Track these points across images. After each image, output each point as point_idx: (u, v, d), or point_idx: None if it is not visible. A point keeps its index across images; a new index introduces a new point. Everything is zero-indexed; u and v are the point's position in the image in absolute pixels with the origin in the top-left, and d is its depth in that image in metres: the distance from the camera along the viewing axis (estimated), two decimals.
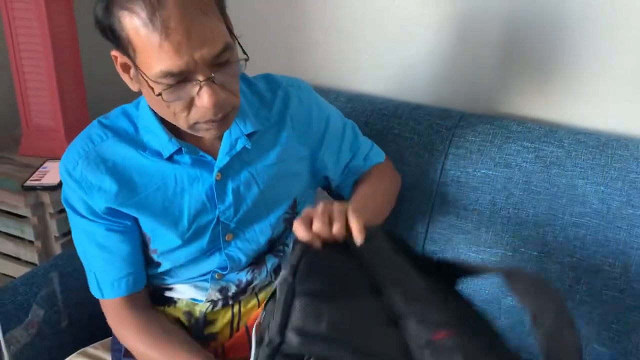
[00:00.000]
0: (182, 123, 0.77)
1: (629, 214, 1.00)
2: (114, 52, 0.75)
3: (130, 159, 0.84)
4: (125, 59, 0.74)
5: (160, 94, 0.72)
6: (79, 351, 1.00)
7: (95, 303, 0.94)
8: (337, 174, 1.01)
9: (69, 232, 1.35)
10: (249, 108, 0.88)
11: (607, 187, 1.03)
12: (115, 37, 0.72)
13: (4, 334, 0.98)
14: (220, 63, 0.72)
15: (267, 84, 0.94)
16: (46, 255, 1.33)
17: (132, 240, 0.87)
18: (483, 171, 1.11)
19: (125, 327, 0.89)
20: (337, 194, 1.04)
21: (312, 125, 0.95)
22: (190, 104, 0.74)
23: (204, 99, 0.72)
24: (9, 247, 1.37)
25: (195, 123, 0.76)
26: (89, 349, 1.01)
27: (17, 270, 1.36)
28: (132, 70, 0.75)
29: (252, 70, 1.45)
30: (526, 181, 1.08)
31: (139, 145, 0.85)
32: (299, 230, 0.66)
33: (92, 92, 1.51)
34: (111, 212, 0.84)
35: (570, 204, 1.04)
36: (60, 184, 1.28)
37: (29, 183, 1.28)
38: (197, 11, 0.69)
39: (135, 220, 0.86)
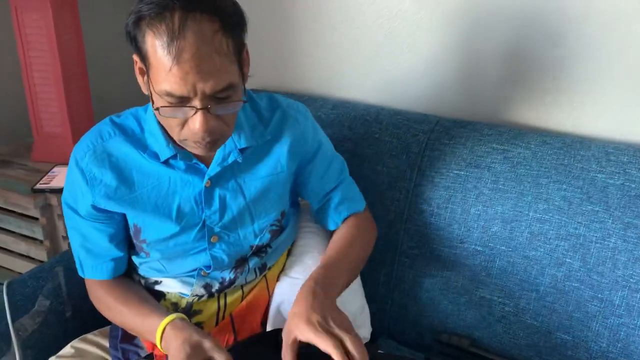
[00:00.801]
0: (174, 135, 0.85)
1: (588, 210, 1.07)
2: (135, 56, 0.83)
3: (132, 158, 0.92)
4: (142, 65, 0.82)
5: (157, 109, 0.80)
6: (80, 337, 1.08)
7: None
8: (318, 197, 1.06)
9: None
10: (246, 123, 0.95)
11: (569, 185, 1.10)
12: (137, 47, 0.80)
13: (13, 322, 1.07)
14: (221, 97, 0.79)
15: (268, 102, 1.00)
16: (54, 253, 1.43)
17: (114, 235, 0.96)
18: (455, 172, 1.19)
19: (101, 303, 1.01)
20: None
21: (305, 146, 1.01)
22: (184, 123, 0.81)
23: (195, 123, 0.79)
24: (21, 247, 1.48)
25: (185, 140, 0.84)
26: (89, 336, 1.09)
27: (28, 268, 1.44)
28: (145, 77, 0.83)
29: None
30: (495, 180, 1.15)
31: (141, 146, 0.93)
32: None
33: (97, 103, 1.61)
34: (99, 211, 0.93)
35: (535, 201, 1.11)
36: None
37: (38, 186, 1.38)
38: (211, 49, 0.76)
39: (123, 215, 0.95)
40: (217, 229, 0.95)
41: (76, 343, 1.07)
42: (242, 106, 0.87)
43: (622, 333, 1.04)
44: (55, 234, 1.42)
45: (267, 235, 1.00)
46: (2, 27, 1.58)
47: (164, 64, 0.75)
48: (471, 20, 1.26)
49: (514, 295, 1.12)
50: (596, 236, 1.06)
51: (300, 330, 0.80)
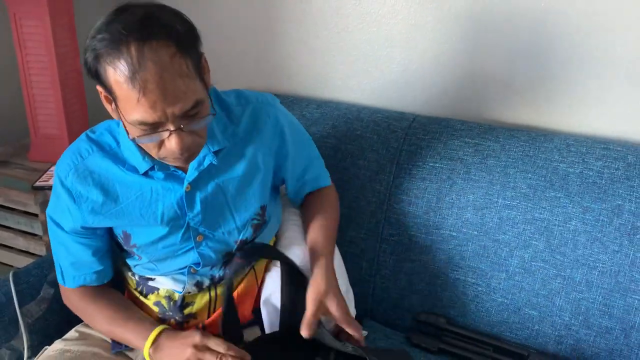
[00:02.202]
0: (153, 154, 0.87)
1: (551, 196, 1.18)
2: (98, 87, 0.84)
3: (113, 173, 0.95)
4: (108, 95, 0.83)
5: (134, 139, 0.82)
6: (83, 323, 1.14)
7: None
8: (293, 180, 1.13)
9: None
10: (216, 125, 0.96)
11: (534, 174, 1.20)
12: (100, 81, 0.81)
13: (20, 307, 1.14)
14: (190, 115, 0.81)
15: (237, 98, 1.02)
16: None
17: (97, 249, 1.01)
18: (431, 164, 1.29)
19: (72, 306, 1.08)
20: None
21: (277, 138, 1.04)
22: (160, 144, 0.84)
23: (172, 144, 0.82)
24: (20, 242, 1.53)
25: (164, 158, 0.87)
26: None
27: (27, 263, 1.52)
28: (112, 105, 0.84)
29: (233, 81, 1.64)
30: (467, 171, 1.25)
31: (119, 160, 0.95)
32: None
33: (92, 104, 1.68)
34: (85, 229, 0.98)
35: (504, 189, 1.21)
36: None
37: (38, 184, 1.45)
38: (174, 75, 0.77)
39: (108, 229, 1.00)
40: (201, 229, 0.99)
41: (80, 327, 1.13)
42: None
43: (583, 307, 1.15)
44: None
45: (250, 230, 1.04)
46: (1, 33, 1.64)
47: (130, 96, 0.77)
48: (445, 26, 1.37)
49: (486, 276, 1.22)
50: (558, 220, 1.16)
51: (330, 301, 0.94)
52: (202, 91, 0.83)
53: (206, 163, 0.95)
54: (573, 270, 1.15)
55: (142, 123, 0.80)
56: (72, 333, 1.11)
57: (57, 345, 1.07)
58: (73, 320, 1.16)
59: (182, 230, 0.99)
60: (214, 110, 0.87)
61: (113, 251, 1.06)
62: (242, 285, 1.09)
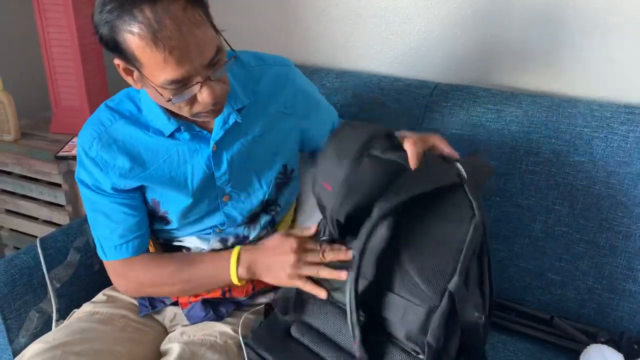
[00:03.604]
0: (185, 114, 0.88)
1: (575, 161, 1.17)
2: (116, 61, 0.84)
3: (138, 138, 0.96)
4: (129, 66, 0.83)
5: (170, 99, 0.83)
6: (110, 286, 1.16)
7: None
8: (323, 139, 1.11)
9: None
10: (236, 83, 0.97)
11: (557, 139, 1.19)
12: (120, 52, 0.80)
13: (48, 272, 1.16)
14: (214, 63, 0.83)
15: (254, 59, 1.04)
16: (76, 217, 1.51)
17: (135, 212, 0.99)
18: (453, 131, 1.28)
19: (126, 278, 1.04)
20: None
21: (297, 100, 1.05)
22: (192, 100, 0.85)
23: (204, 96, 0.83)
24: (44, 212, 1.56)
25: (198, 113, 0.88)
26: None
27: None
28: (135, 74, 0.85)
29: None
30: (488, 138, 1.25)
31: (143, 125, 0.96)
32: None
33: (111, 76, 1.69)
34: (118, 190, 0.97)
35: (526, 155, 1.21)
36: None
37: (61, 154, 1.47)
38: (191, 26, 0.78)
39: (142, 192, 1.00)
40: (227, 189, 1.01)
41: (107, 291, 1.15)
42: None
43: (607, 271, 1.15)
44: (76, 199, 1.50)
45: (274, 189, 1.05)
46: (22, 4, 1.65)
47: (156, 58, 0.78)
48: None
49: (508, 241, 1.22)
50: (582, 184, 1.16)
51: (432, 137, 0.93)
52: (218, 37, 0.84)
53: (231, 121, 0.96)
54: (597, 234, 1.15)
55: (172, 82, 0.80)
56: (100, 296, 1.14)
57: (86, 307, 1.10)
58: (98, 286, 1.20)
59: (210, 191, 1.00)
60: (235, 53, 0.88)
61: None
62: None
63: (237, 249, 0.97)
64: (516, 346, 1.15)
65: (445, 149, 0.93)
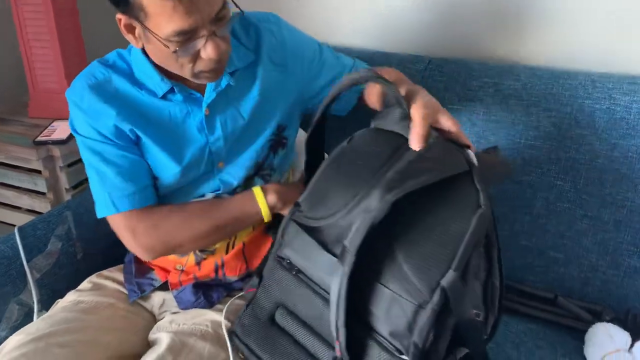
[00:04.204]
0: (187, 73, 0.86)
1: (576, 134, 1.13)
2: (118, 16, 0.83)
3: (131, 94, 0.93)
4: (132, 21, 0.82)
5: (176, 51, 0.80)
6: (95, 273, 1.11)
7: (108, 237, 1.04)
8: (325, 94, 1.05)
9: (78, 184, 1.48)
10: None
11: (558, 112, 1.15)
12: (125, 4, 0.79)
13: (27, 261, 1.10)
14: (219, 18, 0.81)
15: (239, 23, 0.99)
16: (58, 204, 1.45)
17: (142, 161, 0.95)
18: (449, 106, 1.23)
19: (145, 230, 0.94)
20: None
21: (288, 56, 1.01)
22: (196, 57, 0.83)
23: (209, 51, 0.82)
24: (24, 201, 1.49)
25: (200, 72, 0.85)
26: (104, 272, 1.12)
27: None
28: (137, 30, 0.83)
29: None
30: (487, 112, 1.20)
31: (136, 83, 0.94)
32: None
33: (91, 57, 1.62)
34: (119, 134, 0.93)
35: (526, 129, 1.17)
36: (69, 138, 1.41)
37: (40, 138, 1.40)
38: None
39: (139, 147, 0.95)
40: (223, 154, 0.98)
41: (93, 278, 1.10)
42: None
43: (611, 247, 1.11)
44: (58, 186, 1.44)
45: (266, 150, 1.02)
46: None
47: (164, 7, 0.76)
48: None
49: (508, 219, 1.18)
50: (585, 158, 1.12)
51: (442, 112, 0.78)
52: None
53: (223, 84, 0.94)
54: (600, 209, 1.11)
55: (179, 33, 0.78)
56: (85, 284, 1.09)
57: (70, 296, 1.04)
58: (81, 275, 1.14)
59: (204, 157, 0.97)
60: (241, 11, 0.87)
61: None
62: (250, 238, 1.06)
63: (258, 186, 0.99)
64: (518, 327, 1.11)
65: (453, 128, 0.78)
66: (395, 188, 0.70)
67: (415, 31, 1.40)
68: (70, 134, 1.38)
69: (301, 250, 0.78)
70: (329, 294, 0.74)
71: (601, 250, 1.12)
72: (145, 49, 0.88)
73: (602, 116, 1.12)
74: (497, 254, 0.79)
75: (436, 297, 0.68)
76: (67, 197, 1.45)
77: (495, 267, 0.79)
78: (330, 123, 0.90)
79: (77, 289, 1.07)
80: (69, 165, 1.43)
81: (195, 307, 1.02)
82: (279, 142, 1.04)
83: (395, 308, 0.71)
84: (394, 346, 0.73)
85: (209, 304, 1.02)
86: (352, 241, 0.70)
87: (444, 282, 0.68)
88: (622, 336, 1.00)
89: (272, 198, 0.97)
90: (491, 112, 1.20)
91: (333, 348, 0.76)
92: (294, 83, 1.03)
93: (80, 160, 1.32)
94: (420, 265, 0.70)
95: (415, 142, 0.73)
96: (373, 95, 0.94)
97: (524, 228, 1.17)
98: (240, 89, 0.98)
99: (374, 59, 1.34)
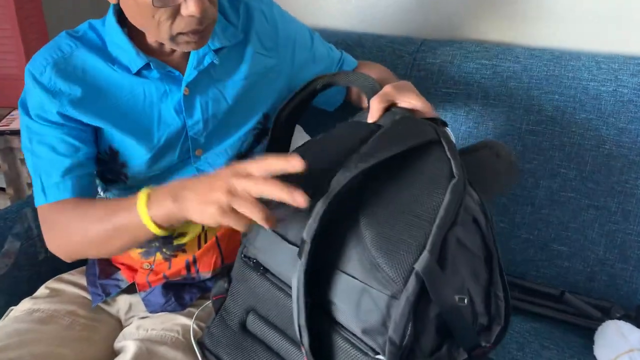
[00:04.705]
0: (163, 34, 0.77)
1: (581, 119, 1.05)
2: None
3: (100, 70, 0.84)
4: None
5: (156, 4, 0.71)
6: (54, 278, 1.00)
7: None
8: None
9: None
10: (216, 25, 0.88)
11: (561, 95, 1.07)
12: None
13: None
14: None
15: (228, 1, 0.93)
16: (19, 200, 1.33)
17: (84, 145, 0.84)
18: (444, 90, 1.15)
19: (53, 227, 0.83)
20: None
21: (280, 40, 0.95)
22: (175, 14, 0.74)
23: (190, 6, 0.73)
24: None
25: (178, 34, 0.76)
26: (65, 275, 1.01)
27: None
28: None
29: None
30: (484, 96, 1.12)
31: (108, 58, 0.84)
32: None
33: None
34: (69, 119, 0.82)
35: (527, 113, 1.09)
36: None
37: None
38: None
39: (94, 132, 0.85)
40: (201, 140, 0.89)
41: (51, 283, 0.99)
42: None
43: (619, 239, 1.04)
44: (19, 180, 1.33)
45: (251, 139, 0.94)
46: None
47: None
48: None
49: (509, 210, 1.10)
50: (590, 144, 1.05)
51: (406, 90, 0.84)
52: None
53: (206, 62, 0.86)
54: (608, 199, 1.04)
55: None
56: (42, 290, 0.98)
57: (25, 304, 0.94)
58: (44, 277, 1.03)
59: (180, 142, 0.88)
60: None
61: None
62: (223, 230, 0.96)
63: (145, 189, 0.74)
64: (522, 326, 1.03)
65: (417, 104, 0.82)
66: (356, 168, 0.65)
67: (406, 11, 1.32)
68: None
69: (265, 246, 0.71)
70: None
71: (608, 243, 1.04)
72: (120, 3, 0.78)
73: (608, 99, 1.04)
74: (498, 266, 0.71)
75: (411, 284, 0.60)
76: (28, 192, 1.33)
77: (498, 279, 0.71)
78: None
79: (32, 296, 0.96)
80: None
81: (165, 310, 0.92)
82: (264, 131, 0.96)
83: (366, 301, 0.62)
84: (368, 345, 0.64)
85: (181, 307, 0.92)
86: (309, 229, 0.62)
87: (418, 266, 0.60)
88: (636, 335, 0.92)
89: (156, 205, 0.73)
90: (489, 96, 1.12)
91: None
92: (283, 69, 0.96)
93: None
94: (391, 250, 0.62)
95: (370, 116, 0.79)
96: (355, 94, 1.04)
97: (525, 220, 1.09)
98: (226, 69, 0.90)
99: (362, 42, 1.26)
